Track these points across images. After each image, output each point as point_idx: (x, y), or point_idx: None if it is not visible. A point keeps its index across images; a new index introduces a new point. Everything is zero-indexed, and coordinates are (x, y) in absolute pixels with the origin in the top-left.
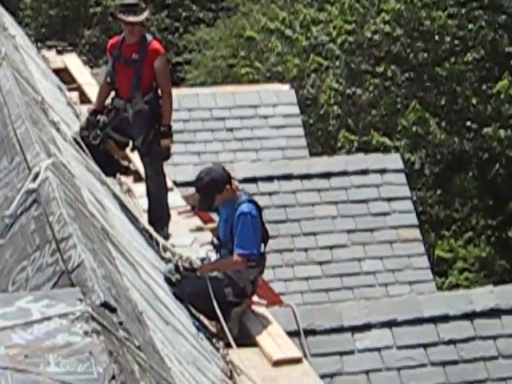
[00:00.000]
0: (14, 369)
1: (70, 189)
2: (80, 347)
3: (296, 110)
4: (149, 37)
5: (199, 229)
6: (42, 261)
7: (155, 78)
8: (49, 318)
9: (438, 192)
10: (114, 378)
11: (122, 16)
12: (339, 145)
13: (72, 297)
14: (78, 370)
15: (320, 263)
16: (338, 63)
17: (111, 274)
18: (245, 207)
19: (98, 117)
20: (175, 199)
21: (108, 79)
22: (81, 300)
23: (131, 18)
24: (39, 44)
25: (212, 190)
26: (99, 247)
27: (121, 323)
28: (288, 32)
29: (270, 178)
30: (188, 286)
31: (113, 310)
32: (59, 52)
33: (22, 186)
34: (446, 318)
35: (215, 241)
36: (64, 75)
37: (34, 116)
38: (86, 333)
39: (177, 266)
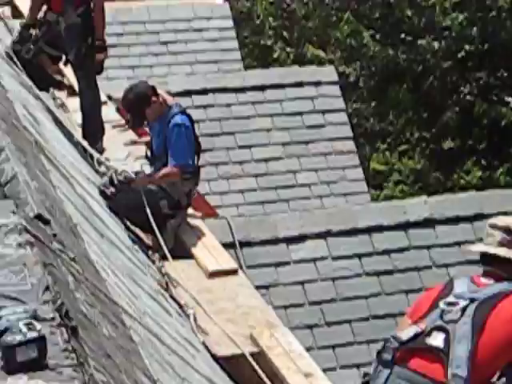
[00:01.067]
0: None
1: (2, 102)
2: (13, 259)
3: (230, 23)
4: None
5: (133, 143)
6: None
7: None
8: None
9: (373, 104)
10: (47, 288)
11: None
12: (275, 56)
13: (5, 209)
14: (12, 282)
15: (255, 176)
16: None
17: (45, 187)
18: (178, 119)
19: (31, 31)
20: (109, 113)
21: None
22: (14, 212)
23: None
24: None
25: (139, 104)
26: (33, 161)
27: (55, 235)
28: None
29: (204, 91)
30: (123, 199)
31: (46, 222)
32: None
33: None
34: (380, 229)
35: (149, 154)
36: None
37: None
38: (19, 245)
39: (111, 180)
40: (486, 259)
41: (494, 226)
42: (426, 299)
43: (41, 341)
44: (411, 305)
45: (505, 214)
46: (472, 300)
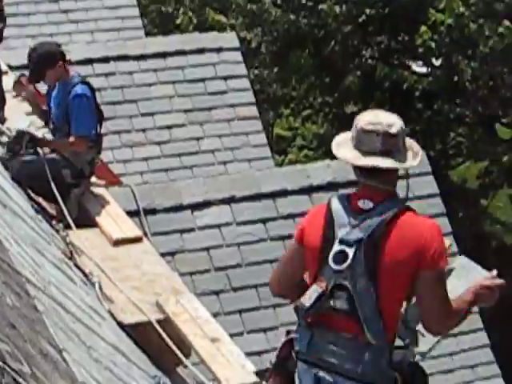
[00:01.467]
0: None
1: None
2: None
3: None
4: None
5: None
6: None
7: None
8: None
9: (275, 70)
10: None
11: None
12: (178, 22)
13: None
14: None
15: (158, 143)
16: None
17: None
18: (78, 89)
19: None
20: (10, 83)
21: None
22: None
23: None
24: None
25: (44, 62)
26: None
27: None
28: None
29: (105, 59)
30: (25, 168)
31: None
32: None
33: None
34: (284, 193)
35: (51, 125)
36: None
37: None
38: None
39: (10, 144)
40: (365, 173)
41: (370, 132)
42: (311, 250)
43: None
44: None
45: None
46: (359, 241)
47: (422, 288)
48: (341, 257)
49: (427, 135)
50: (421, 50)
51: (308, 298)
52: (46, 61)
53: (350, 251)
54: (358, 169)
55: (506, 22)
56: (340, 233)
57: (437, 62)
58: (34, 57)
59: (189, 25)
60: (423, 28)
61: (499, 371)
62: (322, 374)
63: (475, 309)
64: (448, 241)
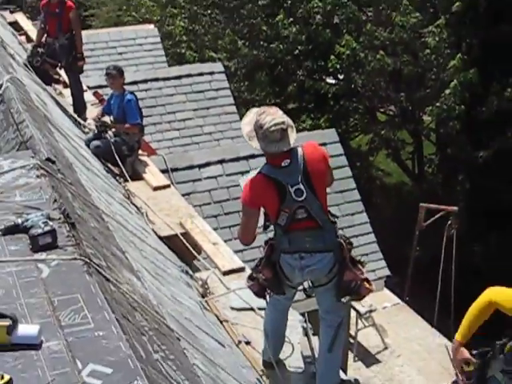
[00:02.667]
0: None
1: (22, 92)
2: (34, 184)
3: (158, 40)
4: None
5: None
6: (9, 137)
7: (70, 23)
8: (14, 169)
9: (246, 84)
10: (55, 200)
11: None
12: (186, 58)
13: (27, 155)
14: (34, 198)
15: (178, 129)
16: (183, 10)
17: (51, 141)
18: (130, 96)
19: (38, 49)
20: (88, 96)
21: (42, 26)
22: (32, 157)
23: None
24: None
25: (118, 72)
26: (43, 126)
27: (59, 170)
28: None
29: (145, 81)
30: (100, 147)
31: (53, 162)
32: (11, 12)
33: None
34: (253, 156)
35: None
36: (16, 26)
37: None
38: (37, 176)
39: (98, 126)
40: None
41: (273, 131)
42: (271, 203)
43: (53, 232)
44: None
45: None
46: (299, 180)
47: (330, 172)
48: (299, 192)
49: (336, 120)
50: (331, 69)
51: (281, 221)
52: (119, 73)
53: (302, 187)
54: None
55: (381, 52)
56: (289, 181)
57: (341, 77)
58: (112, 69)
59: (194, 59)
60: (332, 56)
61: None
62: (303, 254)
63: None
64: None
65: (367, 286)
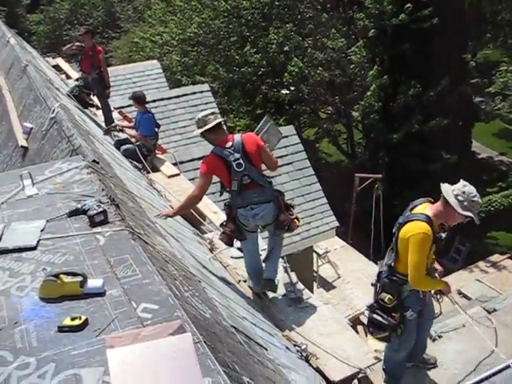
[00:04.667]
0: (59, 193)
1: (69, 114)
2: (87, 179)
3: (161, 71)
4: (95, 44)
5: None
6: (62, 147)
7: (100, 62)
8: (70, 169)
9: (226, 99)
10: (103, 190)
11: (82, 33)
12: (183, 82)
13: (79, 159)
14: (87, 189)
15: (181, 134)
16: (176, 49)
17: (94, 148)
18: (146, 115)
19: (76, 82)
20: (115, 114)
21: (79, 65)
22: (83, 160)
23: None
24: (43, 55)
25: (138, 98)
26: (86, 138)
27: (102, 167)
28: (153, 38)
29: (154, 100)
30: (127, 149)
31: (97, 162)
32: (53, 57)
33: (47, 117)
34: None
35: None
36: (57, 68)
37: (48, 86)
38: (88, 173)
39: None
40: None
41: (216, 126)
42: (223, 173)
43: (104, 212)
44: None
45: None
46: (240, 155)
47: (264, 153)
48: (239, 164)
49: (291, 119)
50: (286, 83)
51: (234, 187)
52: (139, 97)
53: (241, 161)
54: (212, 133)
55: (320, 68)
56: (231, 158)
57: (292, 88)
58: (134, 94)
59: (187, 83)
60: (286, 74)
61: None
62: (253, 206)
63: None
64: None
65: (296, 223)
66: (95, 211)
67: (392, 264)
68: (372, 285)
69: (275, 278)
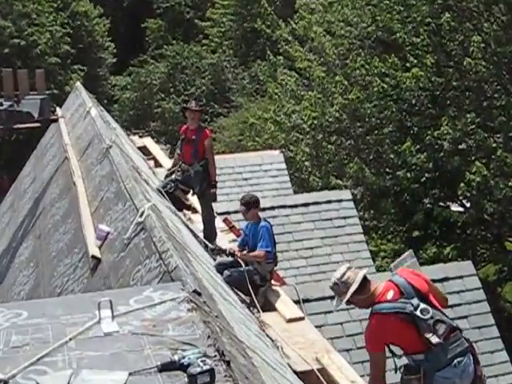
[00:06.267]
0: (147, 334)
1: (161, 220)
2: (186, 319)
3: (284, 166)
4: (202, 125)
5: (233, 240)
6: (151, 265)
7: (205, 151)
8: (164, 302)
9: (372, 212)
10: (209, 337)
11: (190, 106)
12: (311, 186)
13: (177, 288)
14: (186, 333)
15: (305, 258)
16: (308, 136)
17: (193, 271)
18: (263, 224)
19: (173, 175)
20: (218, 223)
21: (178, 152)
22: (182, 289)
23: (196, 108)
24: (128, 132)
25: (252, 202)
26: (183, 255)
27: (204, 302)
28: (278, 118)
29: (272, 208)
30: (232, 276)
31: (199, 294)
32: (140, 136)
33: (133, 220)
34: None
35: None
36: (144, 150)
37: (135, 177)
38: (188, 310)
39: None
40: None
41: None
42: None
43: (211, 371)
44: None
45: None
46: None
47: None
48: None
49: (465, 249)
50: (461, 197)
51: (434, 339)
52: (253, 202)
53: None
54: (361, 292)
55: None
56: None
57: (467, 204)
58: (247, 198)
59: (318, 185)
60: (462, 184)
61: None
62: (459, 358)
63: None
64: None
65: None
66: (199, 369)
67: None
68: None
69: None
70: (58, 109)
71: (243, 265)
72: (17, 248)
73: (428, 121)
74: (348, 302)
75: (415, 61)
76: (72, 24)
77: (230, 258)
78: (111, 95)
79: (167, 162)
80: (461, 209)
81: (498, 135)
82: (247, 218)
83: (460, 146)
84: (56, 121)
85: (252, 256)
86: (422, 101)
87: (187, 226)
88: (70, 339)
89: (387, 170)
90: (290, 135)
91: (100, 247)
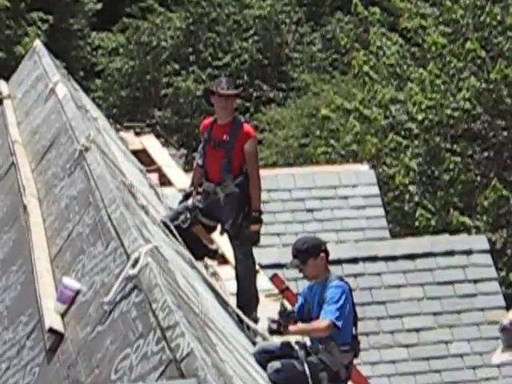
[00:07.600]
0: None
1: (167, 273)
2: None
3: (376, 190)
4: (241, 119)
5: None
6: (147, 349)
7: (244, 161)
8: None
9: None
10: None
11: (219, 89)
12: (417, 224)
13: None
14: None
15: (406, 346)
16: (416, 142)
17: (216, 362)
18: (336, 283)
19: (189, 202)
20: (262, 282)
21: (199, 162)
22: None
23: (229, 91)
24: (117, 125)
25: (311, 251)
26: (202, 334)
27: None
28: (366, 112)
29: (354, 260)
30: (283, 370)
31: None
32: (138, 133)
33: (120, 272)
34: None
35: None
36: (143, 156)
37: (126, 200)
38: None
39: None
40: None
41: None
42: None
43: None
44: None
45: None
46: None
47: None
48: None
49: None
50: None
51: None
52: (313, 249)
53: None
54: None
55: None
56: None
57: None
58: (300, 244)
59: (429, 225)
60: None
61: None
62: None
63: None
64: None
65: None
66: None
67: None
68: None
69: None
70: (1, 82)
71: (301, 355)
72: None
73: None
74: None
75: None
76: None
77: (277, 342)
78: (92, 64)
79: (181, 178)
80: None
81: None
82: (307, 274)
83: None
84: None
85: (309, 328)
86: None
87: (210, 286)
88: None
89: None
90: (387, 139)
91: (63, 315)
